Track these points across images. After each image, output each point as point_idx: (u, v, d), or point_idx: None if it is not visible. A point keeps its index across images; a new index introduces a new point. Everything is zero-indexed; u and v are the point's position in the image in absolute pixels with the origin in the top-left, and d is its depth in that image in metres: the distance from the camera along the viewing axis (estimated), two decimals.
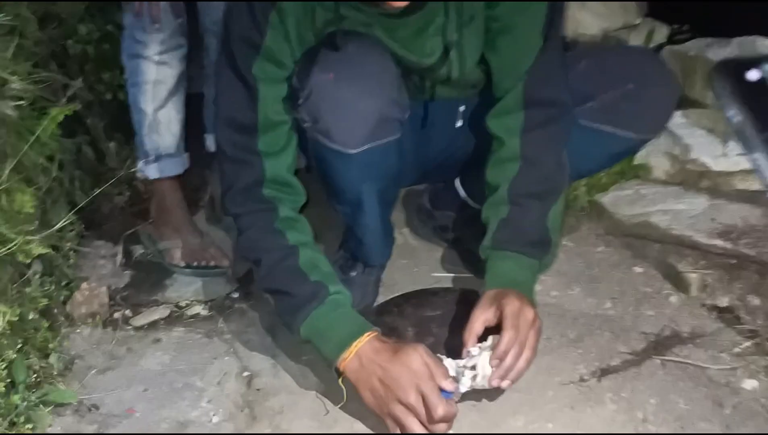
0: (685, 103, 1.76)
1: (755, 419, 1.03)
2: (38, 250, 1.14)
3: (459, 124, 1.26)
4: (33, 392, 1.04)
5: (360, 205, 1.23)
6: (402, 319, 1.19)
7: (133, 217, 1.70)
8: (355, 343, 1.00)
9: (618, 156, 1.48)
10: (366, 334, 1.00)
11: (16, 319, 1.01)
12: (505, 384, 0.99)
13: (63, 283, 1.35)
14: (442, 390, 0.94)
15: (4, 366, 0.98)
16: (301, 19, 1.08)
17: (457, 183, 1.52)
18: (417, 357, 0.95)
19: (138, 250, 1.58)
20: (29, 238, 1.11)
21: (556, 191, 1.19)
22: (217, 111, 1.15)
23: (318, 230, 1.20)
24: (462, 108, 1.24)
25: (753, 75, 0.46)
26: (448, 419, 0.94)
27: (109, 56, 1.76)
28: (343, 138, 1.09)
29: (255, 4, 1.07)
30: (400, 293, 1.31)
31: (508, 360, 0.98)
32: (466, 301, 1.14)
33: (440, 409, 0.92)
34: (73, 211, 1.23)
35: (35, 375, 1.09)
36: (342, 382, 1.03)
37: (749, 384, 1.10)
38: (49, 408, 1.05)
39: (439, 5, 1.12)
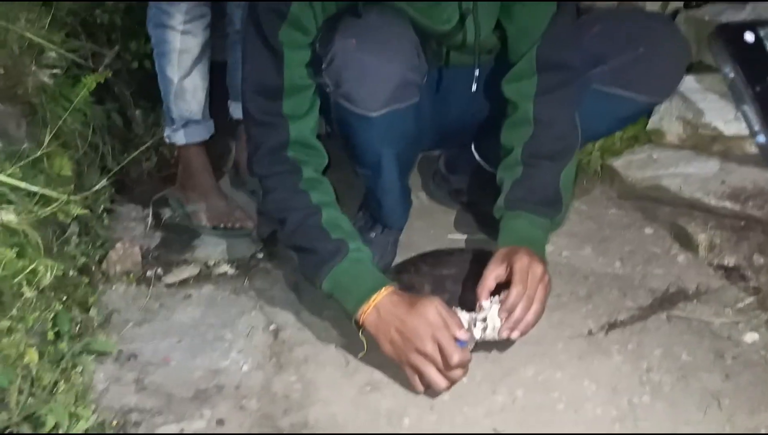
0: (699, 68, 1.77)
1: (753, 369, 1.09)
2: (77, 210, 1.21)
3: (474, 88, 1.30)
4: (77, 342, 1.12)
5: (380, 168, 1.28)
6: (419, 277, 1.25)
7: (161, 182, 1.77)
8: (374, 297, 1.06)
9: (629, 119, 1.52)
10: (384, 288, 1.07)
11: (61, 274, 1.08)
12: (514, 335, 1.05)
13: (98, 243, 1.43)
14: (456, 339, 1.01)
15: (50, 317, 1.05)
16: None
17: (473, 148, 1.57)
18: (433, 309, 1.01)
19: (166, 213, 1.66)
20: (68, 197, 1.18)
21: (568, 152, 1.24)
22: (243, 77, 1.20)
23: (338, 193, 1.25)
24: (477, 72, 1.28)
25: (749, 37, 0.43)
26: (464, 365, 1.01)
27: (135, 25, 1.82)
28: (364, 101, 1.14)
29: None
30: (416, 254, 1.37)
31: (517, 312, 1.04)
32: (480, 260, 1.19)
33: (456, 357, 0.99)
34: (109, 176, 1.30)
35: (77, 327, 1.16)
36: (362, 334, 1.10)
37: (750, 337, 1.15)
38: (92, 357, 1.13)
39: None
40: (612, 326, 1.22)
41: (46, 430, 0.84)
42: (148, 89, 1.98)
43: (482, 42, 1.25)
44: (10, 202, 1.00)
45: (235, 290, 1.39)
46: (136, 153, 1.45)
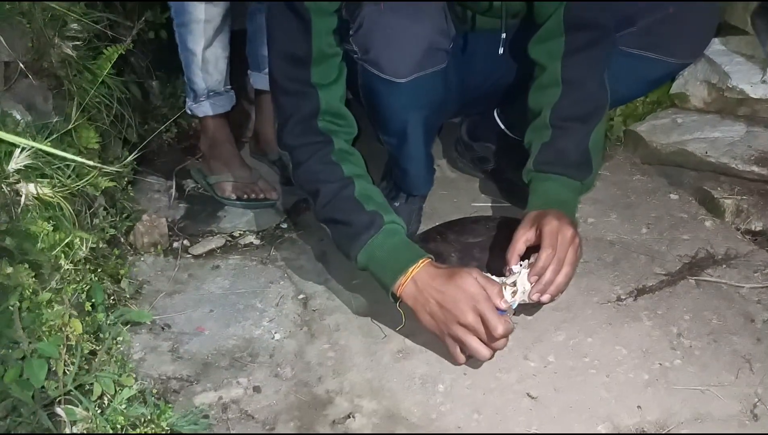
0: (724, 29, 1.74)
1: None
2: (105, 183, 1.21)
3: (501, 51, 1.28)
4: (111, 313, 1.14)
5: (405, 135, 1.27)
6: (446, 245, 1.25)
7: (181, 153, 1.77)
8: (411, 269, 1.04)
9: (656, 82, 1.50)
10: (421, 261, 1.05)
11: (95, 245, 1.09)
12: (544, 298, 1.05)
13: (124, 216, 1.43)
14: (497, 309, 1.00)
15: (86, 289, 1.06)
16: None
17: (496, 114, 1.56)
18: (472, 280, 1.01)
19: (189, 185, 1.66)
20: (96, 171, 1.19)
21: (598, 114, 1.22)
22: (270, 46, 1.18)
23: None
24: (504, 36, 1.27)
25: None
26: (507, 335, 1.00)
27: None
28: (393, 67, 1.13)
29: None
30: (441, 222, 1.37)
31: (547, 275, 1.04)
32: (506, 228, 1.20)
33: (500, 328, 0.98)
34: (139, 149, 1.30)
35: (111, 298, 1.18)
36: (400, 306, 1.10)
37: None
38: (127, 327, 1.14)
39: None
40: (640, 292, 1.22)
41: (93, 398, 0.86)
42: (165, 59, 1.97)
43: (509, 5, 1.24)
44: (44, 176, 1.00)
45: (262, 260, 1.40)
46: (162, 127, 1.44)
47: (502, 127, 1.55)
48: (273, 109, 1.23)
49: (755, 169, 1.46)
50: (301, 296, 1.28)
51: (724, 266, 1.25)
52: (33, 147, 0.94)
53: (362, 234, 1.09)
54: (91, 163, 0.97)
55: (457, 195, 1.60)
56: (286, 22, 1.13)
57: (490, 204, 1.55)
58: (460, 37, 1.38)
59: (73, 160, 0.92)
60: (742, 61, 1.67)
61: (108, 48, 1.35)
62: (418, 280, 1.04)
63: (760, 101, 1.61)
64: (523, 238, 1.09)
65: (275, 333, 1.18)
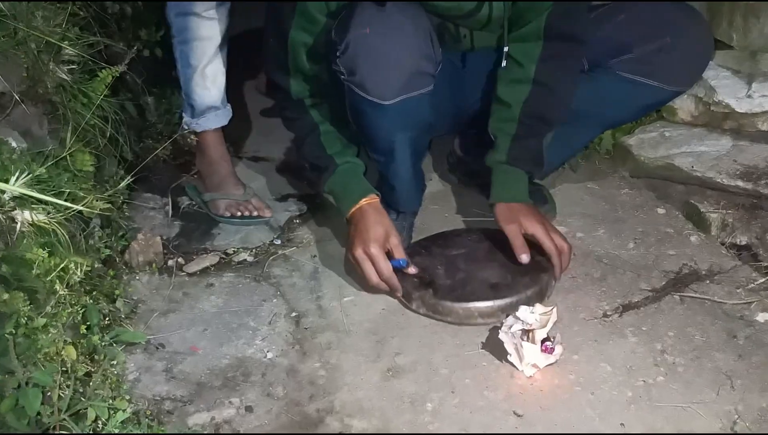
0: None
1: (766, 348, 1.11)
2: (100, 205, 1.23)
3: (504, 65, 1.33)
4: (106, 333, 1.16)
5: (392, 154, 1.32)
6: (431, 259, 1.33)
7: (177, 170, 1.79)
8: (358, 202, 1.29)
9: (650, 107, 1.54)
10: (365, 199, 1.30)
11: (89, 268, 1.11)
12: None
13: (119, 234, 1.45)
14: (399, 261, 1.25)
15: (81, 311, 1.09)
16: None
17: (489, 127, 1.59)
18: (380, 228, 1.25)
19: (184, 202, 1.68)
20: (92, 194, 1.21)
21: (560, 119, 1.35)
22: (263, 40, 1.36)
23: None
24: (507, 49, 1.31)
25: None
26: (384, 282, 1.24)
27: (144, 14, 1.82)
28: (378, 90, 1.17)
29: None
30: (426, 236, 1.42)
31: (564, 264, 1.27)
32: (487, 239, 1.35)
33: (380, 275, 1.24)
34: (133, 173, 1.32)
35: (106, 319, 1.20)
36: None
37: (762, 317, 1.18)
38: (122, 347, 1.17)
39: None
40: (626, 308, 1.24)
41: (88, 422, 0.88)
42: (160, 76, 2.00)
43: (503, 17, 1.28)
44: (39, 202, 1.02)
45: (255, 278, 1.42)
46: (160, 149, 1.50)
47: None
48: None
49: (740, 183, 1.48)
50: (293, 314, 1.30)
51: (708, 282, 1.28)
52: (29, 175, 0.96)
53: (323, 173, 1.33)
54: (76, 191, 0.99)
55: (449, 210, 1.62)
56: (273, 21, 1.29)
57: (480, 219, 1.58)
58: (458, 56, 1.41)
59: (59, 204, 0.94)
60: (729, 75, 1.69)
61: (103, 71, 1.38)
62: (355, 215, 1.29)
63: (746, 115, 1.64)
64: (520, 237, 1.27)
65: (268, 352, 1.20)
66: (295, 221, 1.63)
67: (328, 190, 1.36)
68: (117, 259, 1.41)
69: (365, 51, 1.14)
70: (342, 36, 1.15)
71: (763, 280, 1.26)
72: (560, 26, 1.29)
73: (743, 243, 1.40)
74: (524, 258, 1.25)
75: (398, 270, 1.26)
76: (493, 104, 1.38)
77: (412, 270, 1.27)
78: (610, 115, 1.47)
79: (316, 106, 1.36)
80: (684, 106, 1.76)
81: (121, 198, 1.51)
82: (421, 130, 1.34)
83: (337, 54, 1.16)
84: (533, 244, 1.27)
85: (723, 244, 1.41)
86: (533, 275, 1.25)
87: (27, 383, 0.79)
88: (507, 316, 1.15)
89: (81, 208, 1.04)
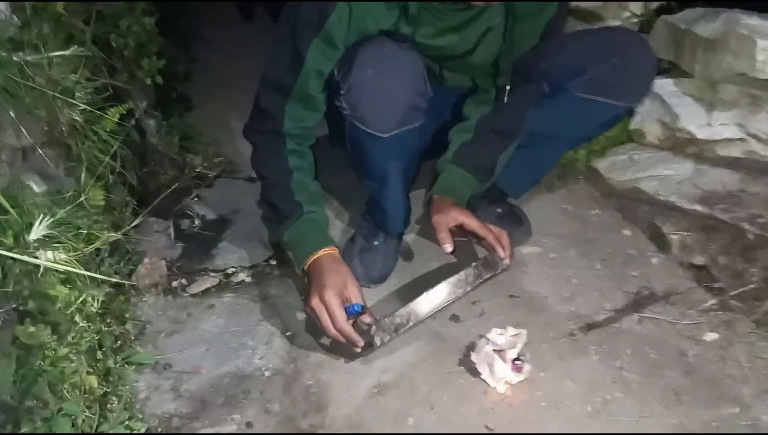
0: (675, 72, 1.90)
1: (711, 366, 1.25)
2: (107, 235, 1.35)
3: (506, 100, 1.48)
4: (118, 355, 1.28)
5: (386, 180, 1.45)
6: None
7: (177, 194, 1.90)
8: (313, 255, 1.32)
9: (609, 123, 1.67)
10: (323, 250, 1.33)
11: (104, 298, 1.23)
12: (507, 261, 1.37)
13: (126, 258, 1.57)
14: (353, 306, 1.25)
15: (97, 337, 1.21)
16: (364, 13, 1.28)
17: None
18: (338, 277, 1.27)
19: (185, 224, 1.80)
20: (103, 228, 1.33)
21: (513, 136, 1.51)
22: (266, 63, 1.39)
23: (343, 198, 1.58)
24: (508, 87, 1.46)
25: None
26: (343, 331, 1.24)
27: (146, 45, 1.93)
28: (377, 125, 1.30)
29: None
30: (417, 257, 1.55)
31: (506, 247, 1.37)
32: None
33: (336, 325, 1.24)
34: (145, 212, 1.44)
35: (117, 341, 1.32)
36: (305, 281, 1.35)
37: (710, 336, 1.31)
38: (132, 368, 1.29)
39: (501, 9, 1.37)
40: (591, 327, 1.37)
41: None
42: (159, 102, 2.12)
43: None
44: (59, 242, 1.14)
45: (252, 298, 1.54)
46: (174, 187, 1.64)
47: None
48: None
49: (698, 207, 1.61)
50: (288, 333, 1.42)
51: (664, 303, 1.41)
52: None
53: (285, 219, 1.37)
54: (94, 232, 1.11)
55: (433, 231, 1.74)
56: (284, 51, 1.32)
57: (461, 238, 1.70)
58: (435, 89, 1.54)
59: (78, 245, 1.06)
60: (692, 103, 1.82)
61: (111, 109, 1.49)
62: (313, 265, 1.31)
63: (706, 142, 1.77)
64: (446, 231, 1.39)
65: (265, 370, 1.32)
66: None
67: (287, 239, 1.38)
68: (125, 283, 1.52)
69: (368, 91, 1.26)
70: (346, 76, 1.26)
71: (713, 301, 1.39)
72: (524, 68, 1.46)
73: (701, 263, 1.53)
74: (447, 247, 1.36)
75: (353, 316, 1.26)
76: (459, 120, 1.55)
77: (366, 318, 1.26)
78: (572, 133, 1.60)
79: (295, 152, 1.40)
80: (651, 130, 1.90)
81: (128, 223, 1.63)
82: (411, 158, 1.49)
83: (341, 92, 1.28)
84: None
85: (682, 263, 1.54)
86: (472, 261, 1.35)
87: (58, 412, 0.91)
88: (480, 337, 1.28)
89: (98, 245, 1.16)
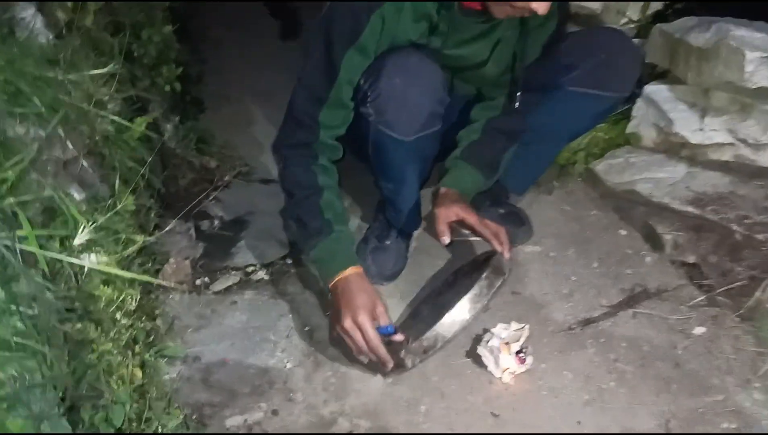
0: (670, 79, 1.99)
1: (699, 358, 1.35)
2: (141, 238, 1.45)
3: (517, 105, 1.58)
4: (152, 349, 1.38)
5: (404, 182, 1.56)
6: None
7: (196, 196, 2.01)
8: (341, 273, 1.36)
9: (602, 114, 1.78)
10: (349, 269, 1.36)
11: (139, 296, 1.34)
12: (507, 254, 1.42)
13: (153, 258, 1.67)
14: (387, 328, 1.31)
15: (134, 333, 1.31)
16: (395, 25, 1.37)
17: None
18: (367, 297, 1.31)
19: (205, 225, 1.90)
20: (136, 232, 1.43)
21: (518, 136, 1.62)
22: (300, 72, 1.45)
23: (356, 199, 1.67)
24: (519, 94, 1.57)
25: None
26: (377, 350, 1.28)
27: (165, 53, 2.02)
28: (402, 129, 1.41)
29: (359, 3, 1.35)
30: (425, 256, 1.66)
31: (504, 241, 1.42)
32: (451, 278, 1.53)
33: (370, 343, 1.28)
34: (162, 231, 1.53)
35: (150, 336, 1.42)
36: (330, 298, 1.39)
37: (699, 330, 1.42)
38: (165, 360, 1.39)
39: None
40: (588, 322, 1.48)
41: (152, 429, 1.11)
42: (175, 105, 2.22)
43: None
44: (100, 246, 1.24)
45: (272, 295, 1.64)
46: (205, 196, 1.82)
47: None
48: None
49: (690, 208, 1.71)
50: (307, 328, 1.53)
51: (657, 299, 1.51)
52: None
53: (314, 236, 1.40)
54: (134, 237, 1.21)
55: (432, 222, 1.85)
56: (319, 61, 1.40)
57: (466, 238, 1.80)
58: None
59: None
60: (685, 109, 1.91)
61: (137, 118, 1.59)
62: (340, 283, 1.34)
63: (699, 146, 1.87)
64: (445, 224, 1.46)
65: (287, 362, 1.43)
66: None
67: (314, 256, 1.41)
68: (153, 282, 1.63)
69: (395, 98, 1.37)
70: (375, 84, 1.37)
71: (702, 297, 1.49)
72: (535, 80, 1.56)
73: (692, 261, 1.63)
74: (445, 239, 1.44)
75: (385, 337, 1.31)
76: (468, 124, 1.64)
77: (398, 337, 1.31)
78: (569, 126, 1.72)
79: (325, 170, 1.45)
80: (647, 134, 2.00)
81: (153, 224, 1.74)
82: (427, 161, 1.60)
83: (368, 99, 1.39)
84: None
85: (674, 262, 1.64)
86: (480, 267, 1.39)
87: (113, 401, 1.02)
88: (485, 331, 1.38)
89: (135, 249, 1.26)
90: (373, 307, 1.31)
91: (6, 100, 1.06)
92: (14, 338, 0.68)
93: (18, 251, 0.75)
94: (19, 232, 0.78)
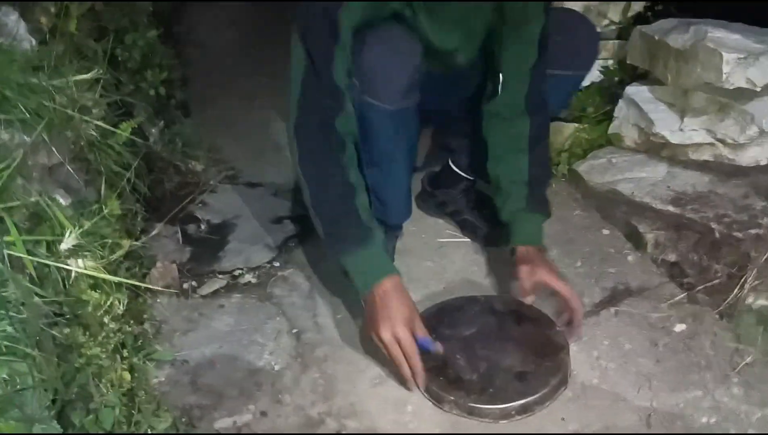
0: (650, 80, 2.03)
1: (679, 355, 1.38)
2: (128, 243, 1.46)
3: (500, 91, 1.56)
4: (140, 353, 1.39)
5: (391, 161, 1.53)
6: (446, 345, 1.33)
7: (181, 200, 2.01)
8: (378, 283, 1.31)
9: (568, 92, 1.79)
10: (386, 278, 1.31)
11: (127, 300, 1.35)
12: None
13: (139, 262, 1.68)
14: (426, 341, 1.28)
15: (122, 337, 1.32)
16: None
17: (451, 162, 1.84)
18: (405, 308, 1.29)
19: (191, 229, 1.91)
20: (122, 236, 1.44)
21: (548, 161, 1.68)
22: (307, 52, 1.36)
23: None
24: (501, 77, 1.55)
25: None
26: (413, 362, 1.27)
27: (149, 58, 2.03)
28: (386, 96, 1.40)
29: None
30: (413, 261, 1.65)
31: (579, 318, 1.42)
32: (489, 310, 1.47)
33: (409, 357, 1.27)
34: (165, 219, 1.53)
35: (138, 340, 1.43)
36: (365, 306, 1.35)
37: (679, 327, 1.45)
38: (153, 364, 1.40)
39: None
40: (572, 320, 1.50)
41: (142, 431, 1.12)
42: (160, 109, 2.22)
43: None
44: (87, 251, 1.25)
45: (259, 298, 1.65)
46: (191, 200, 1.73)
47: (459, 172, 1.83)
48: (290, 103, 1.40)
49: (670, 208, 1.74)
50: (294, 331, 1.54)
51: (638, 297, 1.54)
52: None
53: (353, 243, 1.33)
54: (120, 240, 1.22)
55: (426, 231, 1.87)
56: (319, 24, 1.35)
57: (452, 239, 1.83)
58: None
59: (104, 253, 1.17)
60: (665, 109, 1.95)
61: (122, 124, 1.59)
62: (378, 292, 1.30)
63: (679, 146, 1.90)
64: (531, 287, 1.46)
65: (275, 364, 1.44)
66: (290, 243, 1.86)
67: (352, 264, 1.34)
68: (140, 285, 1.63)
69: (378, 66, 1.37)
70: (358, 55, 1.37)
71: (682, 295, 1.52)
72: (538, 98, 1.57)
73: (673, 260, 1.66)
74: (529, 299, 1.45)
75: (424, 352, 1.28)
76: (496, 153, 1.60)
77: (439, 348, 1.30)
78: None
79: (353, 162, 1.39)
80: (629, 134, 2.03)
81: (139, 230, 1.74)
82: (413, 142, 1.58)
83: (353, 72, 1.39)
84: (542, 315, 1.46)
85: (655, 261, 1.68)
86: (553, 357, 1.33)
87: (103, 404, 1.03)
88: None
89: (121, 254, 1.27)
90: (412, 319, 1.28)
91: None
92: (4, 342, 0.69)
93: (5, 256, 0.76)
94: (7, 238, 0.79)
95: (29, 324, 0.77)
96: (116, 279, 1.18)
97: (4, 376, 0.68)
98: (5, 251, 0.76)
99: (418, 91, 1.46)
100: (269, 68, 2.70)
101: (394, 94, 1.41)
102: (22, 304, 0.79)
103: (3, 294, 0.74)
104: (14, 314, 0.74)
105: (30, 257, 0.86)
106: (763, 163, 1.79)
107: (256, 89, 2.81)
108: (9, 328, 0.71)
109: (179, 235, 1.87)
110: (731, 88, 1.72)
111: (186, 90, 2.72)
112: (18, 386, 0.70)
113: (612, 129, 2.07)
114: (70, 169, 1.32)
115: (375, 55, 1.37)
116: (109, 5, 1.85)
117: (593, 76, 2.27)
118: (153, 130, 2.18)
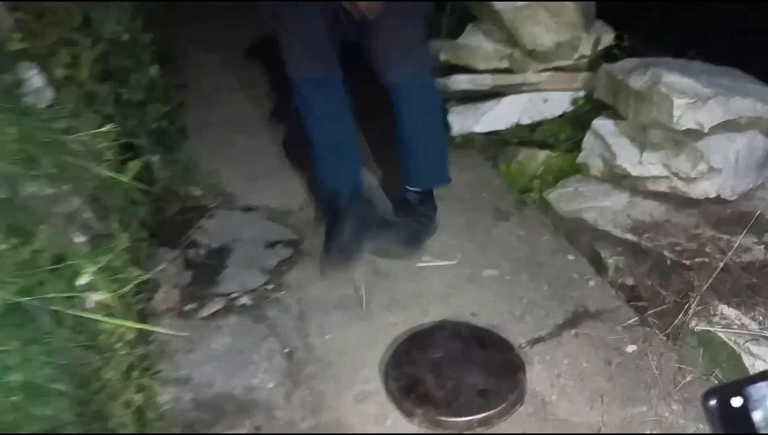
0: (614, 114, 2.20)
1: (629, 373, 1.55)
2: (137, 272, 1.62)
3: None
4: (148, 371, 1.55)
5: (326, 132, 1.86)
6: (417, 367, 1.54)
7: (183, 225, 2.17)
8: None
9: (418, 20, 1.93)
10: None
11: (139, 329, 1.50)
12: None
13: (145, 287, 1.83)
14: None
15: (132, 359, 1.47)
16: None
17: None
18: None
19: (191, 253, 2.06)
20: (129, 265, 1.59)
21: None
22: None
23: None
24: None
25: (736, 402, 0.46)
26: None
27: (152, 93, 2.19)
28: (301, 64, 1.73)
29: None
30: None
31: None
32: (458, 336, 1.64)
33: None
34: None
35: (145, 360, 1.58)
36: None
37: (630, 348, 1.62)
38: (158, 382, 1.56)
39: None
40: (536, 341, 1.67)
41: None
42: (160, 137, 2.37)
43: None
44: (103, 285, 1.40)
45: (254, 320, 1.81)
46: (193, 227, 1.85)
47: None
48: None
49: (629, 236, 1.91)
50: (286, 350, 1.70)
51: (597, 320, 1.71)
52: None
53: None
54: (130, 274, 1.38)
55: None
56: None
57: (430, 263, 1.99)
58: None
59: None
60: (627, 143, 2.12)
61: (131, 162, 1.75)
62: None
63: (638, 178, 2.07)
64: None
65: (269, 383, 1.60)
66: (282, 267, 2.02)
67: None
68: (145, 308, 1.79)
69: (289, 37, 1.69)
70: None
71: (635, 318, 1.69)
72: None
73: (630, 284, 1.83)
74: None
75: None
76: None
77: None
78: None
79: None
80: (595, 164, 2.20)
81: (144, 256, 1.90)
82: (343, 106, 1.86)
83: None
84: (502, 340, 1.62)
85: (615, 284, 1.84)
86: (511, 377, 1.50)
87: (119, 425, 1.19)
88: None
89: (131, 286, 1.43)
90: None
91: (20, 165, 1.22)
92: (49, 384, 0.85)
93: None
94: (47, 295, 0.94)
95: (68, 368, 0.93)
96: (134, 325, 1.33)
97: (49, 412, 0.83)
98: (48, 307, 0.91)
99: (335, 61, 1.73)
100: (264, 90, 2.88)
101: (303, 61, 1.72)
102: (63, 351, 0.94)
103: (51, 344, 0.89)
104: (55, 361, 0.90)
105: (66, 310, 1.01)
106: (711, 196, 1.95)
107: (251, 111, 2.95)
108: (51, 371, 0.87)
109: (181, 259, 2.02)
110: (681, 129, 1.89)
111: (183, 112, 2.87)
112: (61, 422, 0.85)
113: (580, 158, 2.24)
114: (88, 214, 1.48)
115: (284, 28, 1.66)
116: (115, 48, 2.00)
117: (565, 106, 2.46)
118: (155, 160, 2.33)
